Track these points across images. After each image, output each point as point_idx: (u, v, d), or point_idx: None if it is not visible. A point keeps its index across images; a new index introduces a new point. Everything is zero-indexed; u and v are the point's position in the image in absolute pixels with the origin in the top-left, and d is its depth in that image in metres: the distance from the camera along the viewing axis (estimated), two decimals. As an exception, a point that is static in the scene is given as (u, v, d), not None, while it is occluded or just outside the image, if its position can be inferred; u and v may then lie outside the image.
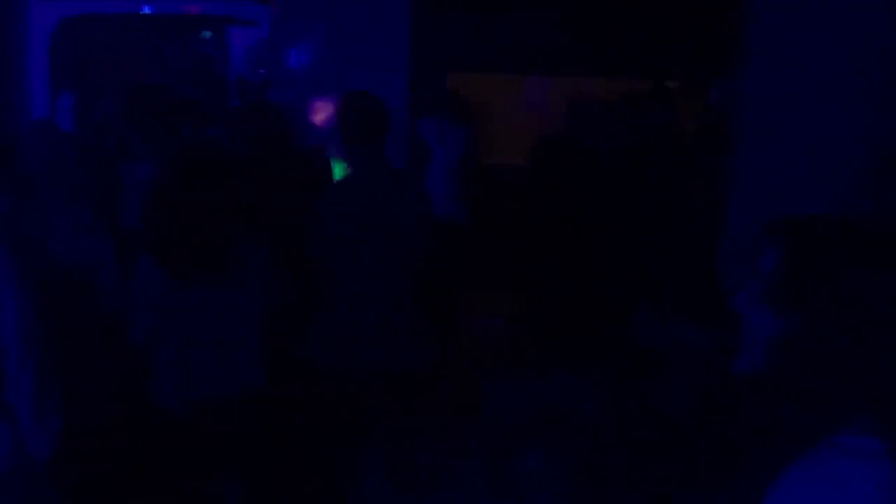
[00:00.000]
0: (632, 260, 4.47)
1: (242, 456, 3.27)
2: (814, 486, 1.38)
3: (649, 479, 2.76)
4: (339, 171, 4.61)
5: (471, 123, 6.30)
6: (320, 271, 3.74)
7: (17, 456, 2.35)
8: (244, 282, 3.18)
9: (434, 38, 6.72)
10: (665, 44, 7.50)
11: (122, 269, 3.44)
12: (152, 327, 3.09)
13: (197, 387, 3.15)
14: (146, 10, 7.23)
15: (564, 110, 6.31)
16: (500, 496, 3.49)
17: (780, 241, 1.54)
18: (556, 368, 3.80)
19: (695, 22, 7.19)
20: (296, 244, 3.79)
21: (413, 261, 3.77)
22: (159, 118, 4.21)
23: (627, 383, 3.41)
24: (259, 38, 7.59)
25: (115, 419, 3.31)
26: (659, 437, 2.58)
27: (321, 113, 5.47)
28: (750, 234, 4.10)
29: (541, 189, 4.98)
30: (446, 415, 4.36)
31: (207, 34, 8.86)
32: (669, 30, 7.50)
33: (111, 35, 8.15)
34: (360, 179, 3.72)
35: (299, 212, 3.89)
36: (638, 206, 4.57)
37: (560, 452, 3.23)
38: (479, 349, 5.72)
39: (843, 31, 4.01)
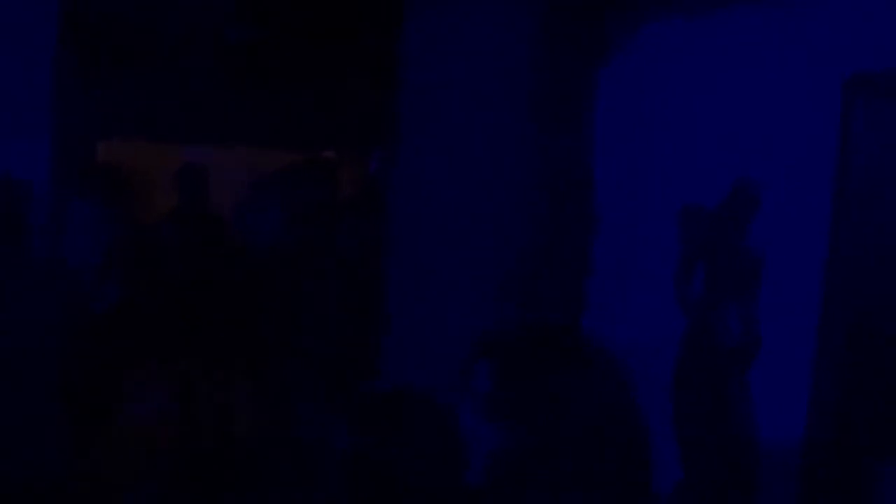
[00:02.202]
0: (289, 344, 4.37)
1: None
2: None
3: None
4: None
5: (123, 195, 5.94)
6: None
7: None
8: None
9: (85, 104, 6.33)
10: (324, 113, 7.59)
11: None
12: None
13: None
14: None
15: (222, 182, 6.16)
16: None
17: (490, 359, 1.63)
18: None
19: (354, 91, 7.34)
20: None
21: (52, 357, 3.48)
22: None
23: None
24: None
25: None
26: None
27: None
28: (408, 319, 4.12)
29: (178, 267, 4.81)
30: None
31: None
32: (328, 98, 7.60)
33: None
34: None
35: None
36: (289, 285, 4.48)
37: None
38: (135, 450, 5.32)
39: (488, 100, 4.11)
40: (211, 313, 4.93)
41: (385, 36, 4.48)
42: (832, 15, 4.02)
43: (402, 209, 4.22)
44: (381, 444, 1.98)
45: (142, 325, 5.63)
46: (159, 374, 5.85)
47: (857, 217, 4.64)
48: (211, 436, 4.86)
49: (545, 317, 3.58)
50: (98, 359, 5.17)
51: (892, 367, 4.47)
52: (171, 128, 7.49)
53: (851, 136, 4.53)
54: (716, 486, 4.61)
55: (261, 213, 5.22)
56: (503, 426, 1.58)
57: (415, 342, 3.69)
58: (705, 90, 3.62)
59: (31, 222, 3.66)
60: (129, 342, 5.70)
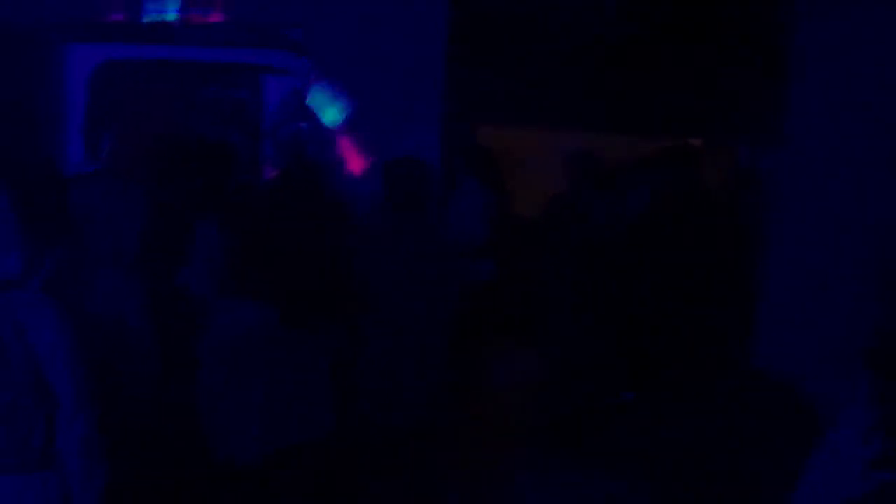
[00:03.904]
0: (651, 334, 4.44)
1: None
2: None
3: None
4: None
5: (498, 178, 6.33)
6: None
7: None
8: (319, 329, 3.32)
9: (466, 91, 6.75)
10: (695, 100, 7.51)
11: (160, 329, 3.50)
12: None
13: (275, 435, 3.25)
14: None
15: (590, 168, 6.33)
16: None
17: (871, 373, 1.56)
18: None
19: (727, 77, 7.21)
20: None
21: (444, 318, 3.84)
22: (200, 172, 4.16)
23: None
24: (293, 88, 7.65)
25: (167, 475, 3.37)
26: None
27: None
28: (782, 314, 4.04)
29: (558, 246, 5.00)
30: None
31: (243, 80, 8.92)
32: (703, 90, 7.51)
33: (146, 79, 8.23)
34: (401, 240, 3.81)
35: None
36: (650, 269, 4.51)
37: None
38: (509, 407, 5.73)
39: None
40: (569, 293, 5.14)
41: (768, 32, 4.43)
42: None
43: (783, 204, 4.14)
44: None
45: (510, 300, 6.02)
46: (519, 346, 6.23)
47: None
48: (568, 402, 5.05)
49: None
50: (470, 328, 5.60)
51: None
52: (545, 115, 7.79)
53: None
54: None
55: (625, 198, 5.34)
56: (879, 443, 1.50)
57: (788, 338, 3.66)
58: None
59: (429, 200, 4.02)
60: (499, 315, 6.12)
